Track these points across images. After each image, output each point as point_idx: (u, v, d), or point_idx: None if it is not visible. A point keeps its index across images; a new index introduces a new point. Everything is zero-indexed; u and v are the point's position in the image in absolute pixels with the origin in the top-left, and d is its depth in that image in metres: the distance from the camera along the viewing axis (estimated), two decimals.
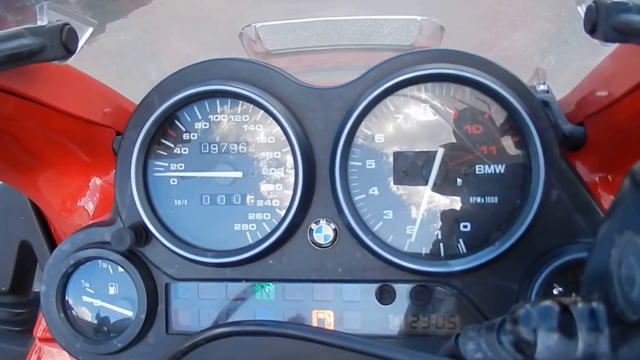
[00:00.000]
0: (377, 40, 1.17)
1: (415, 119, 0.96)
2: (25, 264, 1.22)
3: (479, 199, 0.95)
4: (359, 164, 0.97)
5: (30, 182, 1.03)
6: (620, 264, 0.50)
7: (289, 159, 0.96)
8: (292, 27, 1.21)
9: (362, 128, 0.96)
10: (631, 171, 0.51)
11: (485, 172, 0.95)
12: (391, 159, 0.97)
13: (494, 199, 0.95)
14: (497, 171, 0.95)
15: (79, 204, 1.06)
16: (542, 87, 1.15)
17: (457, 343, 0.66)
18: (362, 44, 1.16)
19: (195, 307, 1.01)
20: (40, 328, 1.08)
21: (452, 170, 0.95)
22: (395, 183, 0.97)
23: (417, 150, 0.96)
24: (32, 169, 1.00)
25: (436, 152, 0.95)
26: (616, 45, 0.82)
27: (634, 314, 0.47)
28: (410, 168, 0.96)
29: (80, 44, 0.81)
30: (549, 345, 0.52)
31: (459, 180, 0.95)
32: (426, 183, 0.95)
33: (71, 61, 0.81)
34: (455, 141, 0.95)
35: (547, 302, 0.55)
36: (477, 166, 0.95)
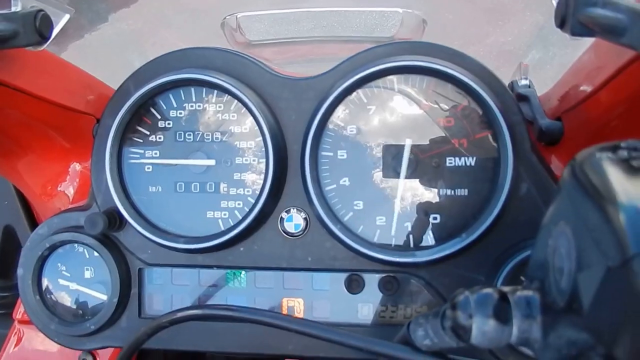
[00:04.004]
0: (359, 32, 1.18)
1: (388, 110, 0.97)
2: (9, 249, 1.24)
3: (449, 191, 0.96)
4: (331, 154, 0.98)
5: (11, 166, 1.04)
6: (554, 254, 0.51)
7: (262, 148, 0.97)
8: (273, 17, 1.21)
9: (334, 119, 0.97)
10: (572, 161, 0.51)
11: (456, 164, 0.96)
12: (362, 150, 0.98)
13: (464, 192, 0.96)
14: (468, 164, 0.96)
15: (59, 188, 1.08)
16: (523, 82, 1.15)
17: (409, 330, 0.68)
18: (344, 36, 1.17)
19: (168, 292, 1.03)
20: (20, 310, 1.10)
21: (423, 162, 0.96)
22: (366, 174, 0.97)
23: (389, 141, 0.97)
24: (12, 153, 1.02)
25: (410, 144, 0.96)
26: (592, 39, 0.83)
27: (561, 301, 0.48)
28: (381, 160, 0.97)
29: (56, 30, 0.83)
30: (484, 331, 0.54)
31: (429, 172, 0.96)
32: (397, 175, 0.97)
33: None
34: (426, 133, 0.96)
35: (487, 290, 0.56)
36: (447, 158, 0.96)
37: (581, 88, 0.92)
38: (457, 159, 0.96)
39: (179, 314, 0.80)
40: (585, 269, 0.45)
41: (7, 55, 0.83)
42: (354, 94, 0.97)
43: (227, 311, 0.79)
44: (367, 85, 0.97)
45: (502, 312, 0.54)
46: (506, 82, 1.09)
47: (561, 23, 0.75)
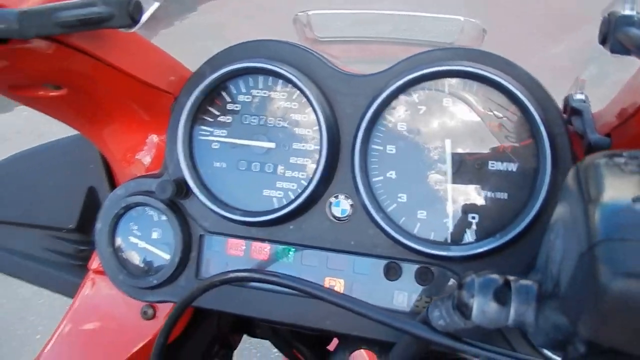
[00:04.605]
0: (421, 36, 1.24)
1: (438, 112, 1.03)
2: (91, 208, 1.39)
3: (489, 194, 1.01)
4: (381, 148, 1.05)
5: (98, 133, 1.19)
6: (553, 249, 0.57)
7: (318, 137, 1.06)
8: (340, 17, 1.30)
9: (387, 115, 1.04)
10: (577, 164, 0.56)
11: (498, 168, 1.00)
12: (411, 147, 1.04)
13: (503, 195, 1.00)
14: (510, 169, 1.00)
15: (137, 157, 1.21)
16: (578, 97, 1.17)
17: (428, 311, 0.74)
18: (406, 38, 1.23)
19: (223, 260, 1.13)
20: (95, 262, 1.25)
21: (467, 163, 1.01)
22: (412, 170, 1.03)
23: (436, 140, 1.02)
24: (101, 121, 1.16)
25: (450, 144, 1.01)
26: None
27: (551, 287, 0.54)
28: (427, 157, 1.03)
29: (146, 16, 0.95)
30: (483, 310, 0.61)
31: (472, 174, 1.01)
32: (441, 173, 1.02)
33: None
34: (472, 136, 1.01)
35: (492, 275, 0.62)
36: (490, 162, 1.00)
37: (632, 104, 0.94)
38: (499, 163, 1.00)
39: (231, 275, 0.91)
40: (567, 257, 0.51)
41: (103, 34, 0.96)
42: (407, 93, 1.03)
43: (273, 277, 0.88)
44: (420, 86, 1.03)
45: (501, 295, 0.60)
46: (562, 96, 1.12)
47: (603, 40, 0.79)
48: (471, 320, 0.63)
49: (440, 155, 1.02)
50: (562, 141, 0.97)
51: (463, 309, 0.63)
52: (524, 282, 0.62)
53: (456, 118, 1.02)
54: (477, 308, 0.61)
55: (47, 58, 0.91)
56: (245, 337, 1.62)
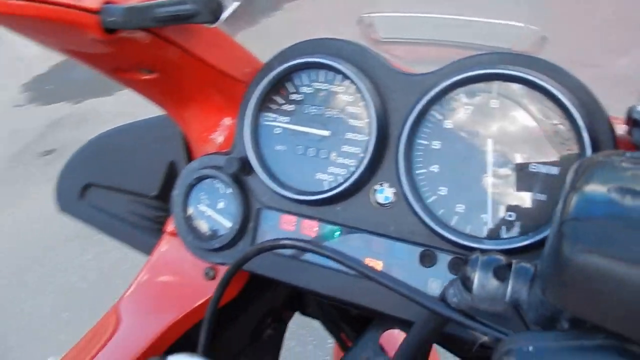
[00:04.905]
0: (480, 40, 1.30)
1: (484, 112, 1.09)
2: (170, 179, 1.58)
3: (528, 194, 1.05)
4: (426, 142, 1.13)
5: (180, 114, 1.36)
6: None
7: (369, 128, 1.16)
8: (402, 20, 1.38)
9: (434, 112, 1.12)
10: (579, 160, 0.63)
11: (540, 171, 1.04)
12: (455, 144, 1.11)
13: (543, 197, 1.04)
14: (552, 173, 1.04)
15: (211, 137, 1.38)
16: None
17: (445, 289, 0.83)
18: (465, 42, 1.30)
19: (276, 233, 1.27)
20: (170, 226, 1.43)
21: (509, 164, 1.07)
22: (454, 165, 1.11)
23: (480, 139, 1.09)
24: (184, 104, 1.33)
25: (493, 144, 1.07)
26: None
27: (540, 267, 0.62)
28: (470, 155, 1.10)
29: (226, 14, 1.10)
30: (483, 284, 0.69)
31: (513, 174, 1.06)
32: (482, 171, 1.08)
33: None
34: (516, 137, 1.06)
35: (496, 256, 0.70)
36: (532, 164, 1.05)
37: None
38: (541, 166, 1.04)
39: (278, 242, 1.03)
40: (549, 237, 0.58)
41: (190, 29, 1.13)
42: (455, 92, 1.10)
43: (314, 247, 1.00)
44: (469, 87, 1.10)
45: (501, 273, 0.68)
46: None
47: None
48: (472, 293, 0.71)
49: (483, 153, 1.08)
50: (607, 149, 0.99)
51: (466, 282, 0.72)
52: (524, 264, 0.69)
53: (501, 119, 1.07)
54: (478, 282, 0.70)
55: (144, 47, 1.09)
56: (302, 324, 1.74)
